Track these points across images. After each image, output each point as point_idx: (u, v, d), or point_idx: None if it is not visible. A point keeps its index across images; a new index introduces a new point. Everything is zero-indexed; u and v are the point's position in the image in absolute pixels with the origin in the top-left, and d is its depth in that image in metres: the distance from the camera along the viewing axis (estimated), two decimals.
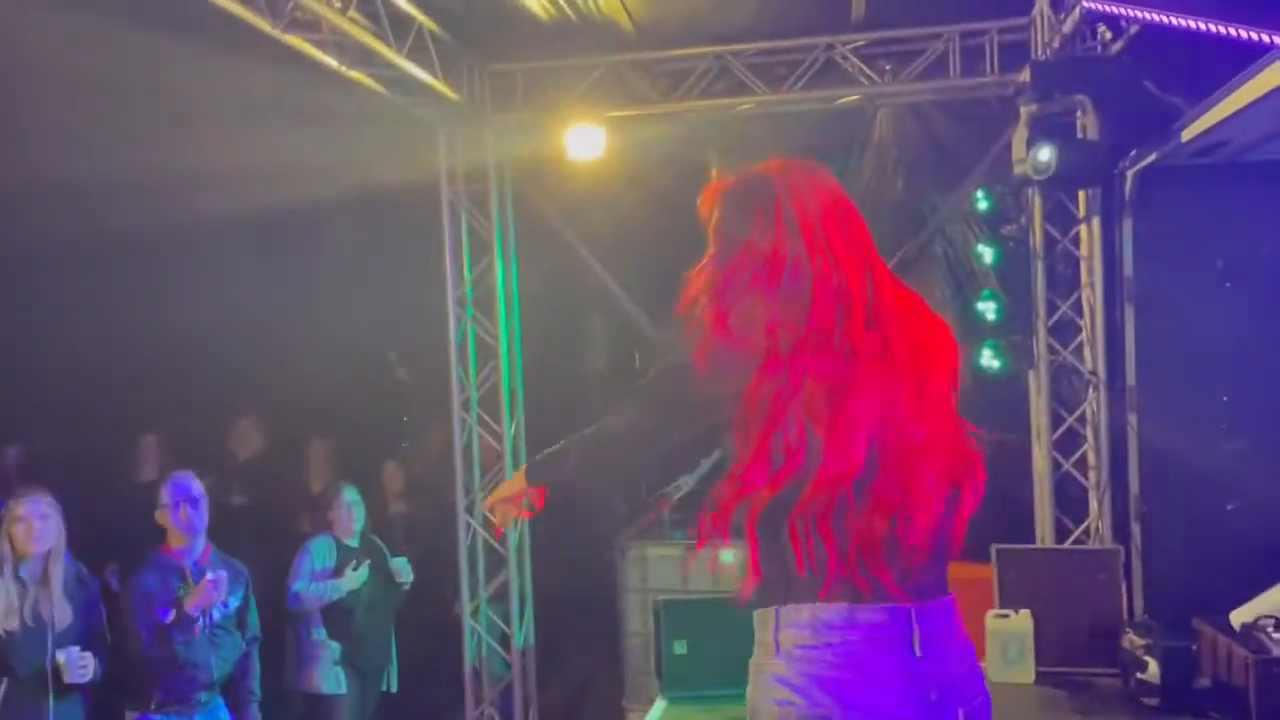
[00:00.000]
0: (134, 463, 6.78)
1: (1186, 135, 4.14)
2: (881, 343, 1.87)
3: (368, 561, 5.26)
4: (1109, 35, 4.48)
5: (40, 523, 4.03)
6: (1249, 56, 4.03)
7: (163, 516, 4.37)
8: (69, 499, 6.27)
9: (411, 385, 7.34)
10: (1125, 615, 5.13)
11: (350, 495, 5.39)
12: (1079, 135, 5.09)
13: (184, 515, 4.33)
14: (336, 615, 5.14)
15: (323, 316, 6.76)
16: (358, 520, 5.37)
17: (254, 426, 6.89)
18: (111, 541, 6.40)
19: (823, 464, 1.79)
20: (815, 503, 1.79)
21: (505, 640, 6.37)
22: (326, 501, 5.45)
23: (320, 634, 5.17)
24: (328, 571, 5.18)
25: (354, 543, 5.35)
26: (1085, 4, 3.87)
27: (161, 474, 6.57)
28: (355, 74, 5.00)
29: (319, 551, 5.22)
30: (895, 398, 1.86)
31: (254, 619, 4.59)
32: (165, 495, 4.37)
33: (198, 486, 4.42)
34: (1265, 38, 3.49)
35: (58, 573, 4.05)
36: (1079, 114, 5.08)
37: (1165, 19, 3.51)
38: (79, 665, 3.98)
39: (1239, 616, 4.68)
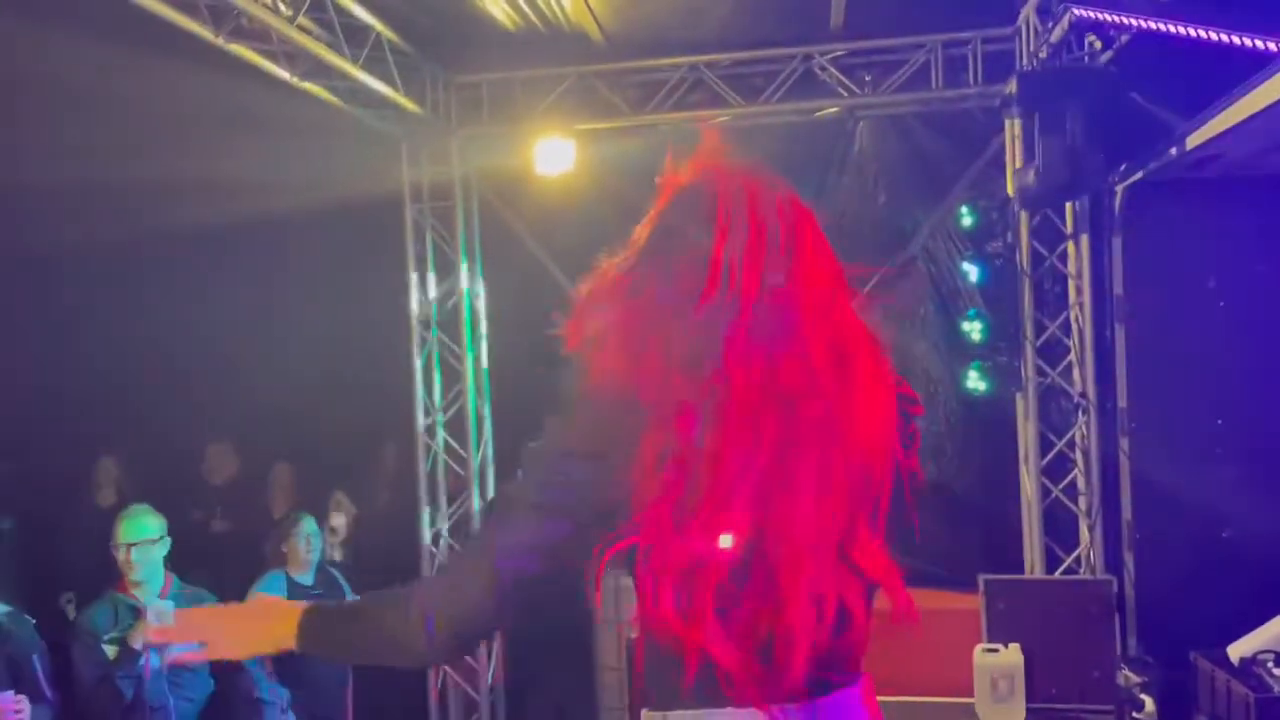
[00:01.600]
0: (91, 486, 6.58)
1: (1191, 143, 3.96)
2: (804, 410, 1.49)
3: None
4: (1099, 45, 4.30)
5: None
6: (1241, 67, 3.88)
7: (116, 553, 4.19)
8: (24, 524, 6.07)
9: (381, 406, 7.12)
10: (1119, 649, 4.97)
11: (308, 526, 5.12)
12: (1065, 148, 4.93)
13: (137, 557, 4.15)
14: (285, 658, 4.87)
15: (285, 335, 6.54)
16: (314, 552, 5.11)
17: (225, 450, 6.73)
18: (67, 568, 6.19)
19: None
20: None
21: (472, 676, 6.12)
22: (283, 533, 5.19)
23: (268, 678, 4.89)
24: None
25: (308, 579, 5.07)
26: (1076, 11, 3.69)
27: (120, 498, 6.44)
28: (309, 86, 4.76)
29: (268, 591, 4.94)
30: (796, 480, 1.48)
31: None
32: (117, 534, 4.19)
33: (153, 525, 4.23)
34: (1264, 45, 3.33)
35: None
36: (1063, 126, 4.92)
37: (1162, 27, 3.32)
38: (14, 710, 3.78)
39: (1237, 650, 4.53)
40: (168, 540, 4.28)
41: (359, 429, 7.10)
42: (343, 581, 5.25)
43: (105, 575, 4.59)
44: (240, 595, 4.92)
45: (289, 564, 5.06)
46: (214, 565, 5.47)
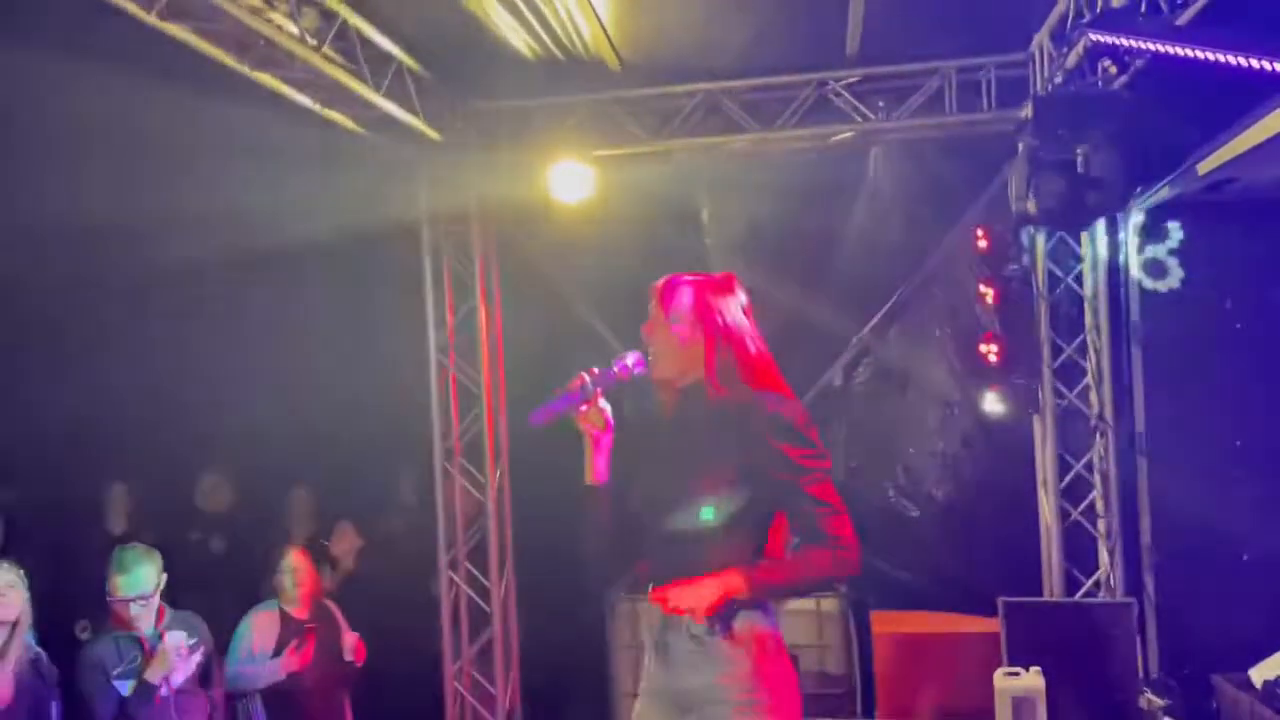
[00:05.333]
0: (102, 514, 6.56)
1: (1202, 169, 4.00)
2: None
3: (311, 638, 4.80)
4: (1114, 70, 4.33)
5: (8, 591, 3.80)
6: (1255, 93, 3.91)
7: (113, 599, 4.10)
8: (38, 551, 6.08)
9: (394, 433, 7.12)
10: (1141, 672, 4.95)
11: (295, 560, 4.96)
12: (1081, 172, 4.95)
13: (136, 611, 4.08)
14: (278, 696, 4.74)
15: (301, 361, 6.56)
16: (306, 586, 4.95)
17: (226, 477, 6.69)
18: (81, 597, 6.17)
19: None
20: None
21: (489, 700, 6.08)
22: (270, 565, 5.01)
23: (261, 715, 4.77)
24: (266, 652, 4.76)
25: (301, 613, 4.92)
26: (1093, 36, 3.73)
27: (130, 526, 6.44)
28: (331, 113, 4.81)
29: (262, 625, 4.82)
30: None
31: (219, 673, 4.37)
32: (115, 586, 4.08)
33: (151, 575, 4.13)
34: (1276, 67, 3.36)
35: (14, 649, 3.80)
36: (1078, 150, 4.95)
37: (1178, 50, 3.35)
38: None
39: (1261, 673, 4.54)
40: (163, 582, 4.17)
41: (375, 455, 7.13)
42: (336, 615, 5.09)
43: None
44: (236, 617, 4.88)
45: (280, 598, 4.92)
46: (210, 588, 5.42)
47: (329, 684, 4.92)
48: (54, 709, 4.02)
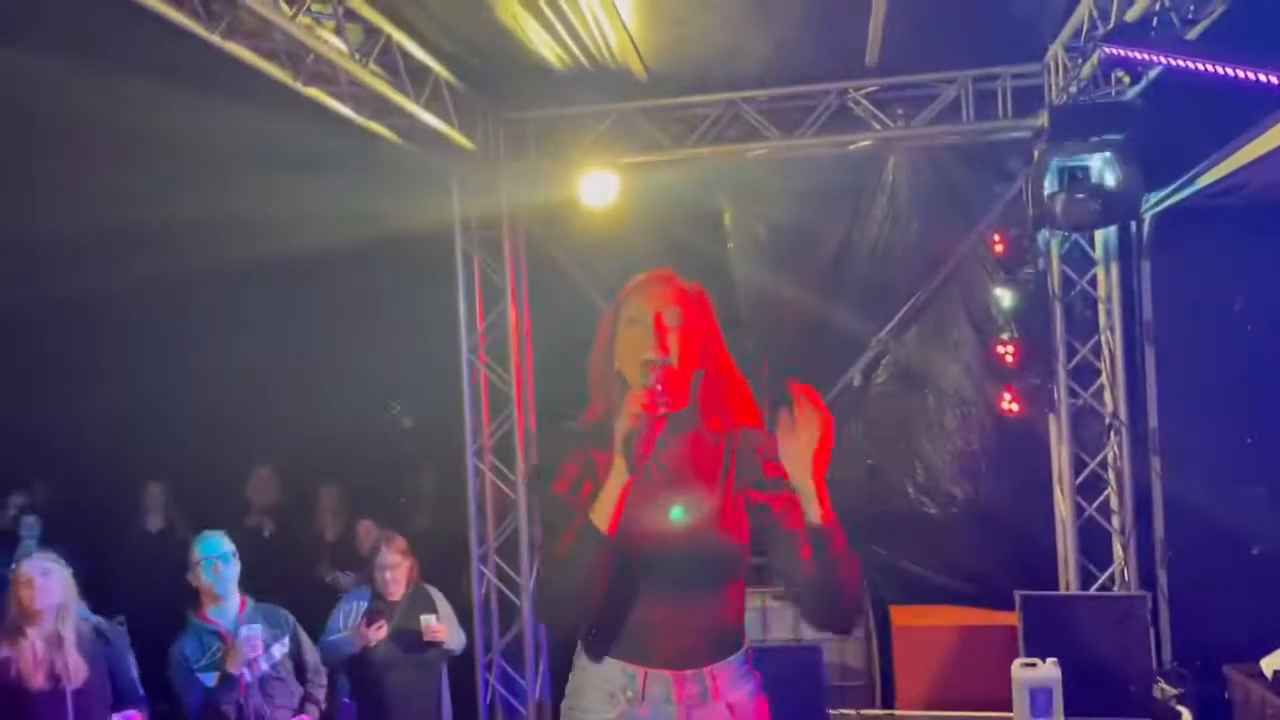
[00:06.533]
0: (140, 512, 6.72)
1: (1204, 180, 4.15)
2: None
3: (383, 616, 4.94)
4: (1127, 80, 4.49)
5: (42, 579, 3.98)
6: (1265, 102, 4.06)
7: (194, 577, 4.35)
8: (75, 549, 6.24)
9: (421, 432, 7.27)
10: (1154, 663, 5.07)
11: (390, 558, 5.03)
12: (1095, 179, 5.10)
13: (216, 571, 4.32)
14: (358, 674, 4.96)
15: (334, 364, 6.72)
16: (397, 579, 5.04)
17: (270, 474, 6.85)
18: (118, 593, 6.34)
19: None
20: None
21: (519, 690, 6.25)
22: (368, 557, 5.24)
23: (345, 687, 5.02)
24: (350, 627, 4.94)
25: (396, 599, 5.02)
26: (1106, 49, 3.88)
27: (168, 523, 6.62)
28: (372, 124, 4.99)
29: (347, 607, 5.02)
30: None
31: (313, 655, 4.56)
32: (194, 554, 4.36)
33: (227, 544, 4.40)
34: None
35: (69, 630, 3.99)
36: (1092, 158, 5.08)
37: (1189, 64, 3.51)
38: None
39: (1271, 663, 4.65)
40: (239, 563, 4.41)
41: (405, 453, 7.29)
42: (436, 595, 5.19)
43: (155, 598, 4.77)
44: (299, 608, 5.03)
45: (373, 584, 5.06)
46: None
47: (414, 663, 5.02)
48: (131, 666, 4.22)
